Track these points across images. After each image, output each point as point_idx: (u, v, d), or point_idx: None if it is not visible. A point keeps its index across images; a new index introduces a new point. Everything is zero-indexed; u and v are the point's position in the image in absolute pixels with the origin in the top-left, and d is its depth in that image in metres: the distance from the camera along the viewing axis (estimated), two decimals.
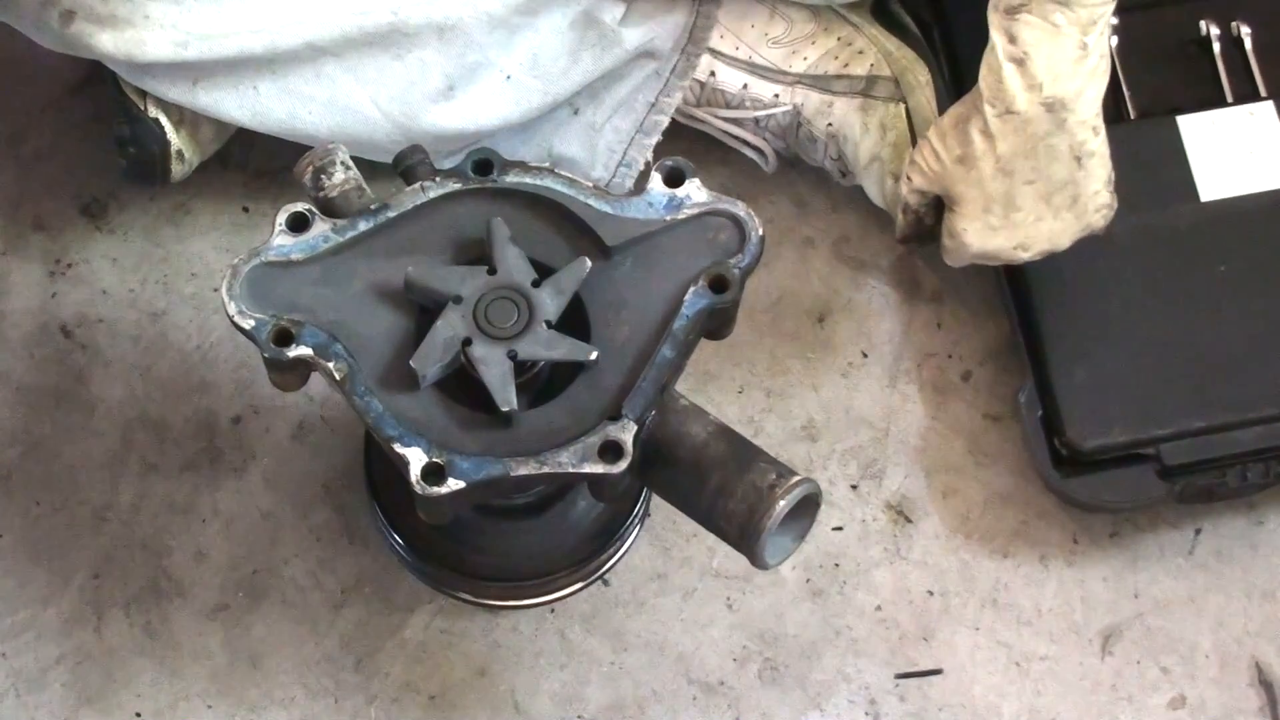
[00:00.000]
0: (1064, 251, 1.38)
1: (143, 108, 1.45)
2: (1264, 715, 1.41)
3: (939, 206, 1.41)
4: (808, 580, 1.45)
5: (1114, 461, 1.42)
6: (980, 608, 1.44)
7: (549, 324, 1.19)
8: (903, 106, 1.48)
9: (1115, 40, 1.52)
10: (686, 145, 1.52)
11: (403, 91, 1.41)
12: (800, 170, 1.57)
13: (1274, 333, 1.44)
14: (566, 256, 1.21)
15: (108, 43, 1.36)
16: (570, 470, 1.15)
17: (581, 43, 1.45)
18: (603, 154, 1.52)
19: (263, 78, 1.40)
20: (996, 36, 1.29)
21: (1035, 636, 1.43)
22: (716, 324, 1.22)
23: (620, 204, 1.23)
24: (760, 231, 1.22)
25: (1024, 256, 1.38)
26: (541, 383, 1.22)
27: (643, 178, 1.49)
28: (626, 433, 1.16)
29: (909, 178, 1.39)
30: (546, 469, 1.15)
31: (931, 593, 1.45)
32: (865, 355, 1.52)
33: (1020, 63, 1.29)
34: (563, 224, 1.23)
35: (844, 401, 1.50)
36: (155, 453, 1.48)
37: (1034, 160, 1.32)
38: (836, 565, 1.45)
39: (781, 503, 1.15)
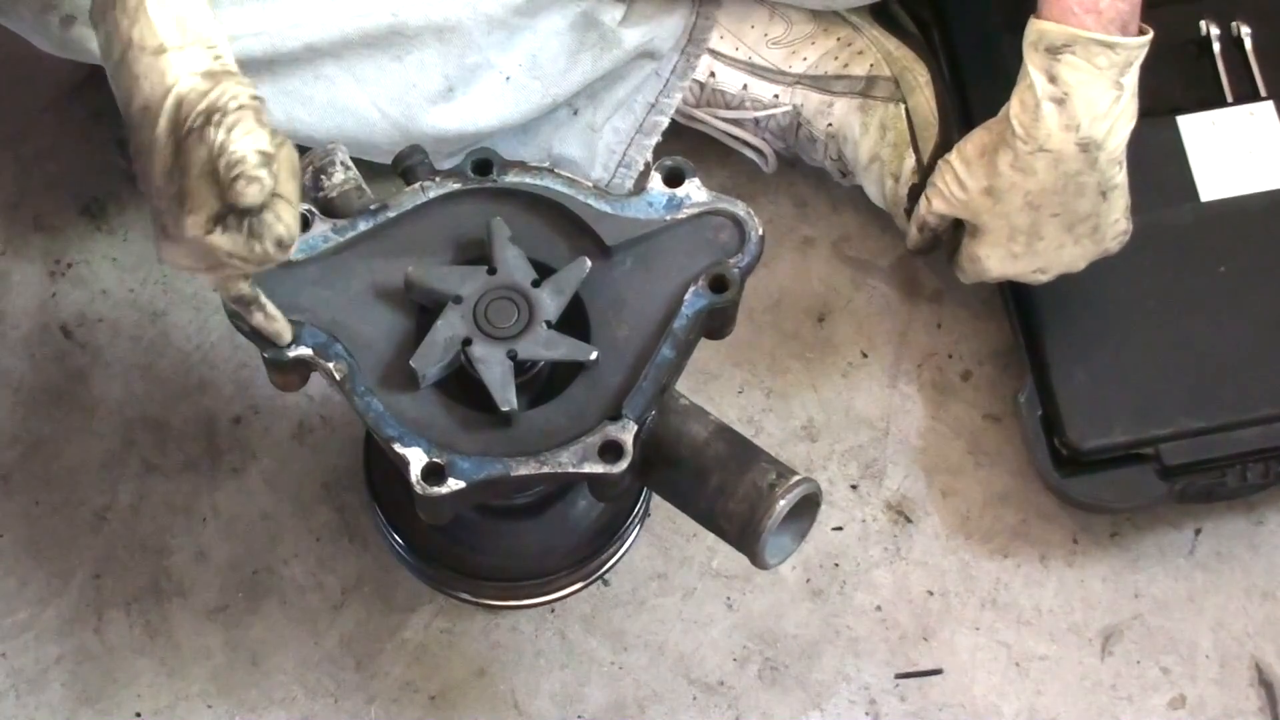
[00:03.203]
0: None
1: None
2: (1264, 715, 1.41)
3: (957, 224, 1.41)
4: (808, 580, 1.45)
5: (1114, 461, 1.42)
6: (980, 608, 1.44)
7: (549, 324, 1.19)
8: (902, 107, 1.48)
9: None
10: (686, 145, 1.52)
11: (402, 93, 1.41)
12: (800, 170, 1.57)
13: (1274, 333, 1.44)
14: (566, 256, 1.21)
15: None
16: (570, 470, 1.15)
17: (581, 44, 1.45)
18: (602, 154, 1.52)
19: (261, 80, 1.40)
20: (1036, 75, 1.29)
21: (1035, 636, 1.43)
22: (716, 324, 1.22)
23: (620, 204, 1.23)
24: (760, 231, 1.22)
25: (1042, 279, 1.39)
26: (541, 383, 1.22)
27: (642, 178, 1.49)
28: (626, 433, 1.16)
29: (929, 199, 1.39)
30: (546, 469, 1.15)
31: (931, 593, 1.45)
32: (865, 355, 1.52)
33: (1060, 102, 1.29)
34: (563, 224, 1.23)
35: (844, 401, 1.50)
36: (155, 453, 1.48)
37: (1062, 196, 1.32)
38: (836, 565, 1.45)
39: (782, 502, 1.15)
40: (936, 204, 1.39)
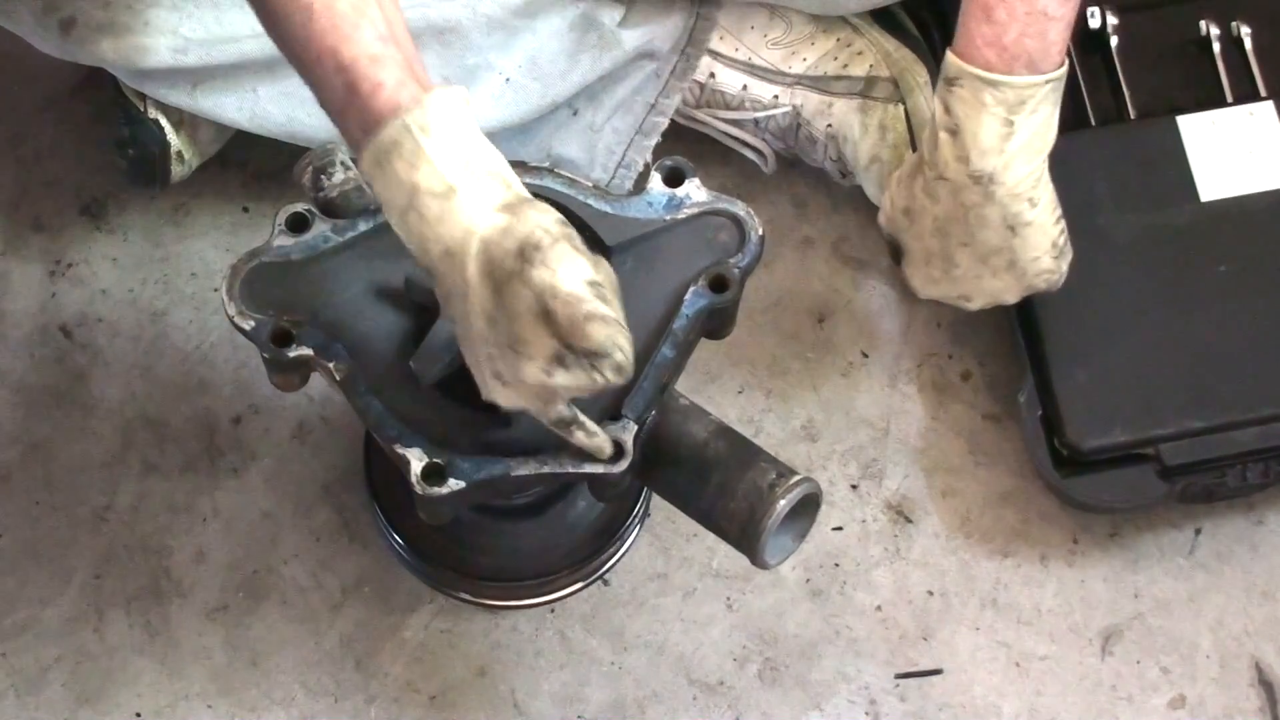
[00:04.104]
0: None
1: (142, 109, 1.45)
2: (1264, 715, 1.41)
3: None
4: (808, 580, 1.45)
5: (1114, 461, 1.42)
6: (980, 608, 1.44)
7: None
8: (902, 107, 1.48)
9: (1115, 40, 1.52)
10: (686, 146, 1.52)
11: None
12: (800, 170, 1.57)
13: (1274, 333, 1.44)
14: None
15: (108, 49, 1.36)
16: (570, 470, 1.15)
17: (580, 45, 1.45)
18: (602, 155, 1.52)
19: (262, 81, 1.40)
20: (936, 104, 1.30)
21: (1035, 636, 1.43)
22: (716, 324, 1.22)
23: (620, 204, 1.23)
24: (760, 231, 1.22)
25: (970, 307, 1.39)
26: None
27: (642, 178, 1.49)
28: (627, 433, 1.16)
29: (880, 216, 1.40)
30: (546, 469, 1.15)
31: (931, 593, 1.45)
32: (865, 355, 1.52)
33: (952, 133, 1.29)
34: None
35: (844, 401, 1.50)
36: (155, 453, 1.48)
37: (965, 225, 1.32)
38: (836, 565, 1.45)
39: (782, 502, 1.15)
40: (879, 218, 1.40)
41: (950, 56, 1.28)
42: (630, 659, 1.42)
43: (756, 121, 1.53)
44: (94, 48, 1.36)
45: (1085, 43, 1.52)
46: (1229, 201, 1.47)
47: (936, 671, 1.42)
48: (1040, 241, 1.33)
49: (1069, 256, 1.36)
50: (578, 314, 1.03)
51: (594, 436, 1.14)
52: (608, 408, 1.17)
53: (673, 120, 1.53)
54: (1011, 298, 1.37)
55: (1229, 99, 1.51)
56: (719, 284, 1.20)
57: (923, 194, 1.33)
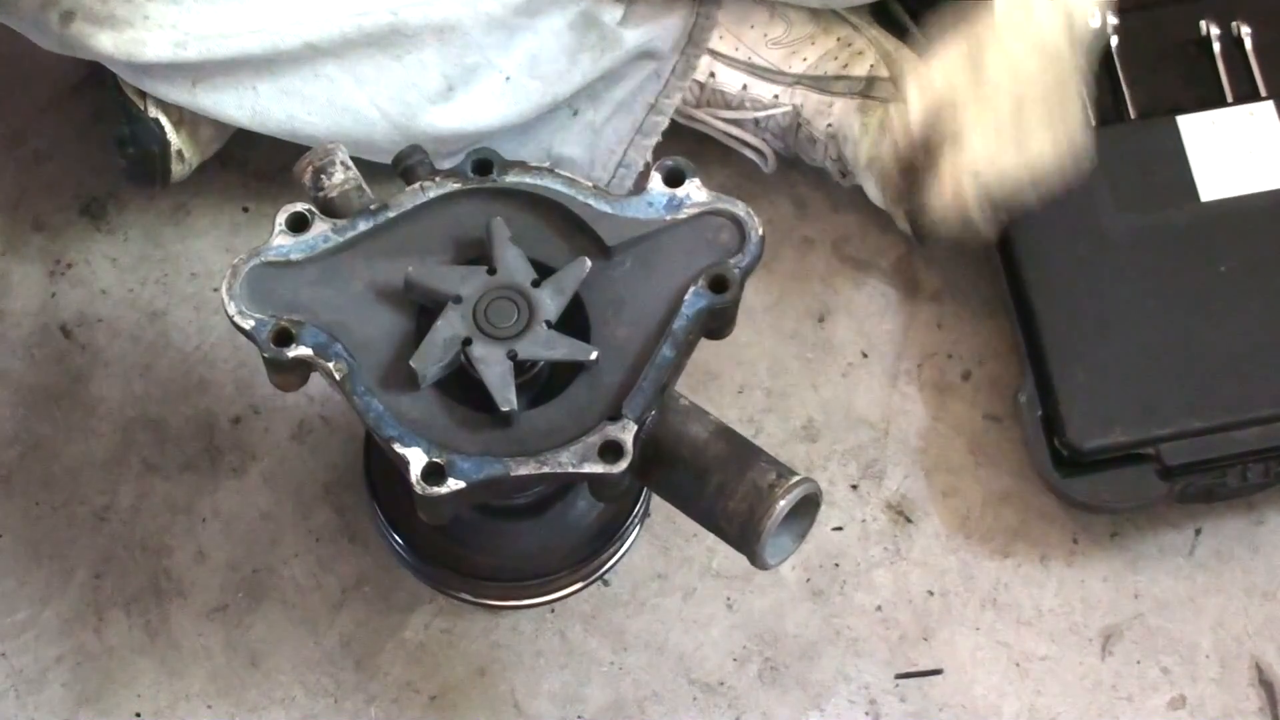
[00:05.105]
0: (1063, 252, 1.39)
1: (142, 108, 1.45)
2: (1264, 715, 1.41)
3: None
4: (808, 580, 1.45)
5: (1114, 461, 1.42)
6: (980, 608, 1.44)
7: (549, 324, 1.19)
8: (903, 107, 1.48)
9: (1115, 40, 1.52)
10: (686, 146, 1.52)
11: (402, 92, 1.41)
12: (800, 170, 1.57)
13: (1274, 333, 1.44)
14: (566, 256, 1.21)
15: (107, 43, 1.36)
16: (570, 470, 1.15)
17: (581, 44, 1.45)
18: (602, 155, 1.52)
19: (262, 78, 1.40)
20: None
21: (1035, 636, 1.43)
22: (716, 324, 1.22)
23: (620, 204, 1.23)
24: (760, 231, 1.22)
25: (1034, 178, 1.36)
26: (541, 383, 1.22)
27: (642, 178, 1.49)
28: (626, 433, 1.16)
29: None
30: (546, 469, 1.15)
31: (931, 593, 1.45)
32: (865, 355, 1.52)
33: None
34: (562, 224, 1.23)
35: (844, 401, 1.50)
36: (155, 453, 1.48)
37: (1045, 76, 1.34)
38: (836, 565, 1.45)
39: (782, 502, 1.15)
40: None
41: None
42: (630, 659, 1.42)
43: (756, 121, 1.53)
44: (93, 41, 1.36)
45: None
46: (1229, 201, 1.47)
47: (936, 671, 1.42)
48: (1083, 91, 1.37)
49: None
50: None
51: None
52: (608, 407, 1.17)
53: (673, 120, 1.53)
54: (1063, 162, 1.36)
55: (1229, 99, 1.51)
56: (719, 284, 1.20)
57: (998, 67, 1.34)
